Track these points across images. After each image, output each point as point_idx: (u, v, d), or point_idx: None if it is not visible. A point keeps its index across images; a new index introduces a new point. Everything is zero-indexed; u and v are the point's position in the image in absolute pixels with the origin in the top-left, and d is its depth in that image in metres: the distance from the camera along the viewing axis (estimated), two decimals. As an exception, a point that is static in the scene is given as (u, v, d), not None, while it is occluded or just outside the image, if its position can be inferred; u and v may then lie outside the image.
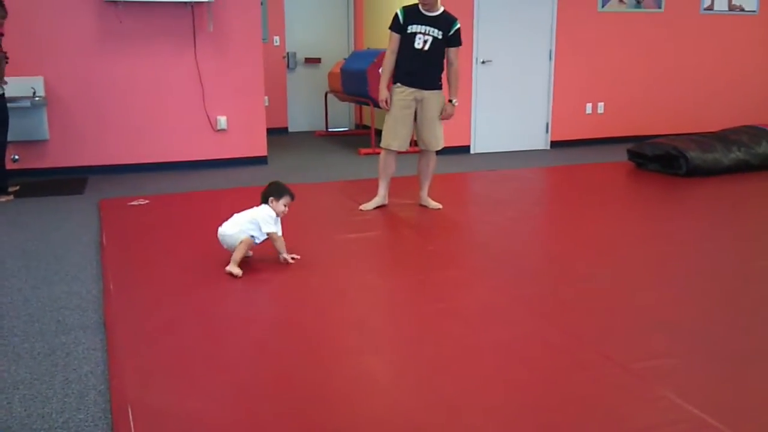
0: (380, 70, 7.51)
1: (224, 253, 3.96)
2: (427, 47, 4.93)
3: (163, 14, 6.55)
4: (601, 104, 8.60)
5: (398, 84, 5.06)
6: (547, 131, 8.39)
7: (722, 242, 4.63)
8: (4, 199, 5.60)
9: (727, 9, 8.95)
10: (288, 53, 9.65)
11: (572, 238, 4.71)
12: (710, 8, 8.87)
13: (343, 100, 9.26)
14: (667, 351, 2.96)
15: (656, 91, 8.81)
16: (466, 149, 8.02)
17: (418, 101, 5.06)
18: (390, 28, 5.04)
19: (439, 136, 5.19)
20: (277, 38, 9.48)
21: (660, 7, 8.60)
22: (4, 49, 5.44)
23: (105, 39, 6.43)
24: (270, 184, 3.97)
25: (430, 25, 4.92)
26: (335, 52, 9.83)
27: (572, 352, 2.95)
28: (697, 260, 4.26)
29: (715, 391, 2.63)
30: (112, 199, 5.59)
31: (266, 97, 7.55)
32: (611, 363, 2.82)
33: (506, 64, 7.98)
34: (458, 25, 5.02)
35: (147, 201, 5.49)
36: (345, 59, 8.94)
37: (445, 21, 4.97)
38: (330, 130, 9.69)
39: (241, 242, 3.81)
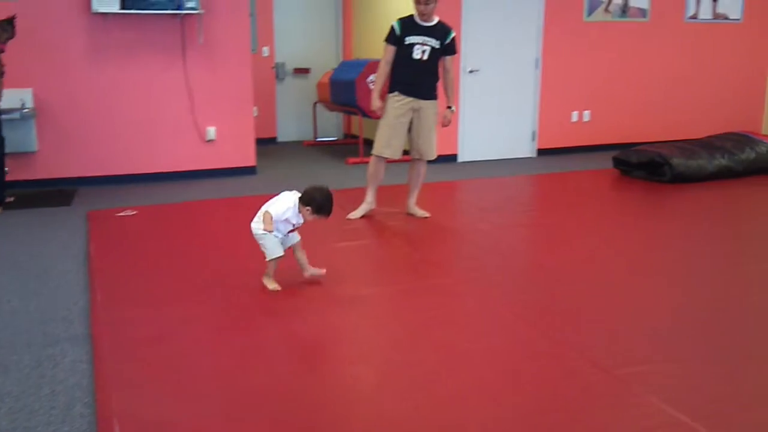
0: (368, 80, 7.63)
1: (211, 264, 3.97)
2: (425, 57, 5.02)
3: (153, 26, 6.56)
4: (587, 112, 8.66)
5: (396, 92, 5.12)
6: (533, 139, 8.44)
7: (707, 248, 4.68)
8: None
9: (711, 17, 9.04)
10: (277, 64, 9.68)
11: (559, 246, 4.75)
12: (695, 17, 8.96)
13: (332, 110, 9.29)
14: (652, 356, 3.00)
15: (642, 99, 8.88)
16: (453, 158, 8.06)
17: (415, 111, 5.12)
18: (386, 40, 5.09)
19: (434, 146, 5.27)
20: (266, 49, 9.51)
21: (645, 17, 8.68)
22: (3, 63, 5.49)
23: (94, 51, 6.45)
24: (317, 193, 3.67)
25: (428, 36, 5.01)
26: (324, 62, 9.87)
27: (558, 359, 2.97)
28: (681, 266, 4.30)
29: (699, 396, 2.66)
30: (101, 211, 5.59)
31: (255, 108, 7.56)
32: (597, 369, 2.85)
33: (493, 73, 8.03)
34: (453, 34, 5.11)
35: (135, 212, 5.50)
36: (334, 69, 8.97)
37: (441, 31, 5.06)
38: (319, 139, 9.72)
39: (261, 241, 3.74)
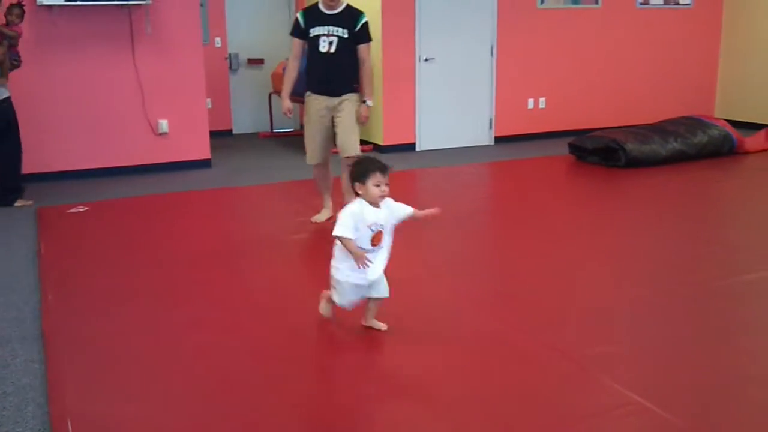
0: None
1: (165, 260, 3.88)
2: (333, 49, 4.55)
3: (100, 18, 6.40)
4: (542, 99, 8.71)
5: (309, 93, 4.72)
6: (490, 127, 8.47)
7: (662, 231, 4.75)
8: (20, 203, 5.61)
9: (662, 3, 9.16)
10: (230, 54, 9.54)
11: (517, 233, 4.78)
12: (646, 2, 9.06)
13: (288, 101, 9.18)
14: (608, 339, 3.03)
15: (596, 85, 8.97)
16: (411, 147, 8.04)
17: (330, 109, 4.68)
18: (291, 33, 4.73)
19: (354, 141, 4.74)
20: (218, 39, 9.36)
21: (597, 3, 8.75)
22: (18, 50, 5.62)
23: (40, 44, 6.26)
24: (352, 166, 3.08)
25: (333, 25, 4.53)
26: (278, 52, 9.76)
27: (517, 344, 2.99)
28: (636, 250, 4.35)
29: (653, 377, 2.70)
30: (51, 207, 5.44)
31: (209, 100, 7.45)
32: (554, 353, 2.87)
33: (449, 61, 8.02)
34: (365, 19, 4.60)
35: (86, 208, 5.37)
36: (287, 59, 8.87)
37: (349, 17, 4.58)
38: (275, 131, 9.63)
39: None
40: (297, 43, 4.68)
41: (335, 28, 4.54)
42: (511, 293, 3.59)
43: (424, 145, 8.13)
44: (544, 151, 7.78)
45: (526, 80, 8.53)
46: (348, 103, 4.66)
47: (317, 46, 4.56)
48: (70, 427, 2.34)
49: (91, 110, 6.53)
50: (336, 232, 2.90)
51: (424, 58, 7.88)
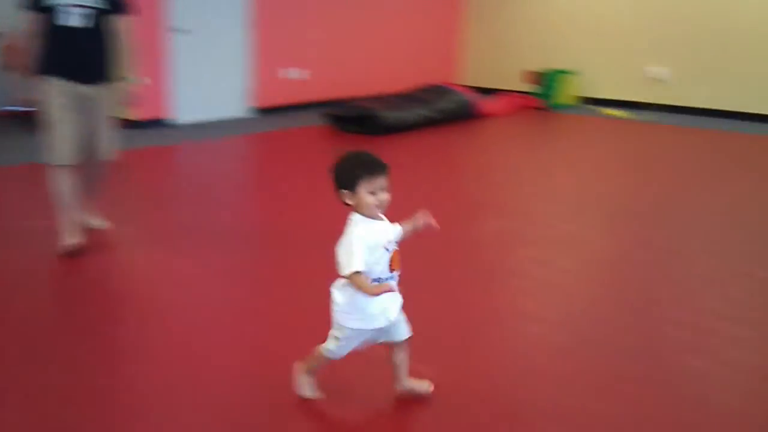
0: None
1: None
2: (81, 23, 3.61)
3: None
4: (304, 71, 8.80)
5: (48, 76, 3.66)
6: (250, 98, 8.40)
7: (410, 193, 5.00)
8: None
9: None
10: (-45, 25, 8.53)
11: (277, 206, 4.82)
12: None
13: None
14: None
15: (355, 55, 9.23)
16: (166, 122, 7.73)
17: (80, 99, 3.70)
18: (24, 5, 3.64)
19: (113, 142, 3.91)
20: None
21: (355, -26, 9.00)
22: None
23: None
24: (333, 167, 2.23)
25: None
26: (14, 23, 8.89)
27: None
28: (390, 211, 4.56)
29: (446, 354, 2.82)
30: None
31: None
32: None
33: (205, 33, 7.79)
34: None
35: None
36: (20, 32, 8.11)
37: None
38: (5, 108, 8.74)
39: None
40: (33, 18, 3.64)
41: None
42: (269, 268, 3.62)
43: (183, 118, 7.87)
44: (307, 122, 7.88)
45: (287, 51, 8.59)
46: (105, 93, 3.77)
47: (60, 19, 3.58)
48: None
49: None
50: (350, 268, 2.09)
51: (179, 29, 7.59)
